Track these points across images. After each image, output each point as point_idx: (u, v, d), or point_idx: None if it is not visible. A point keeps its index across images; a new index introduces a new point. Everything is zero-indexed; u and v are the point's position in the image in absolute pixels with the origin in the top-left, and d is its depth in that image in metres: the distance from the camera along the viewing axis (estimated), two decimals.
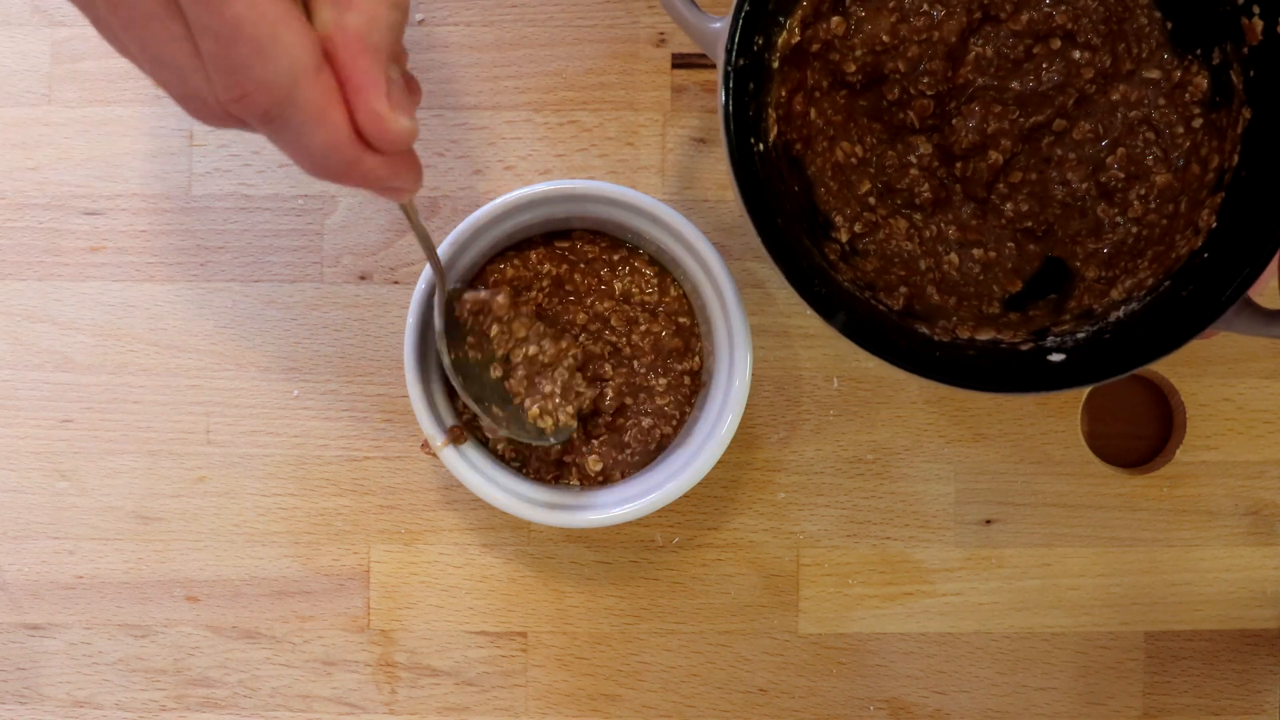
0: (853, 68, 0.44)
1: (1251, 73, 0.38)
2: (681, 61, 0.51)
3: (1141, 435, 0.52)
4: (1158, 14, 0.43)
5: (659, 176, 0.51)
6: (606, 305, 0.48)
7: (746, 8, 0.39)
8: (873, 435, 0.50)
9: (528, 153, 0.51)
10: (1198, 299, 0.38)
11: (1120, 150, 0.44)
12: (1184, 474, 0.50)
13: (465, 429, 0.47)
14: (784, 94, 0.42)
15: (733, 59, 0.38)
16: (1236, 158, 0.39)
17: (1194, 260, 0.39)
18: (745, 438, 0.50)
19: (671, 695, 0.51)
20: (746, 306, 0.46)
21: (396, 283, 0.51)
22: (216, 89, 0.28)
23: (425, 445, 0.48)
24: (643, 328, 0.48)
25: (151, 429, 0.51)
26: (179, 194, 0.51)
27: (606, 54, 0.50)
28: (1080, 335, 0.40)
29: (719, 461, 0.46)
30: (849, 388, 0.50)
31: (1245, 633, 0.51)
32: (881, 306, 0.42)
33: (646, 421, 0.48)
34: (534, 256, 0.48)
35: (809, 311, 0.38)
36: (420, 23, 0.51)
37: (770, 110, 0.42)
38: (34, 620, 0.51)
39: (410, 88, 0.32)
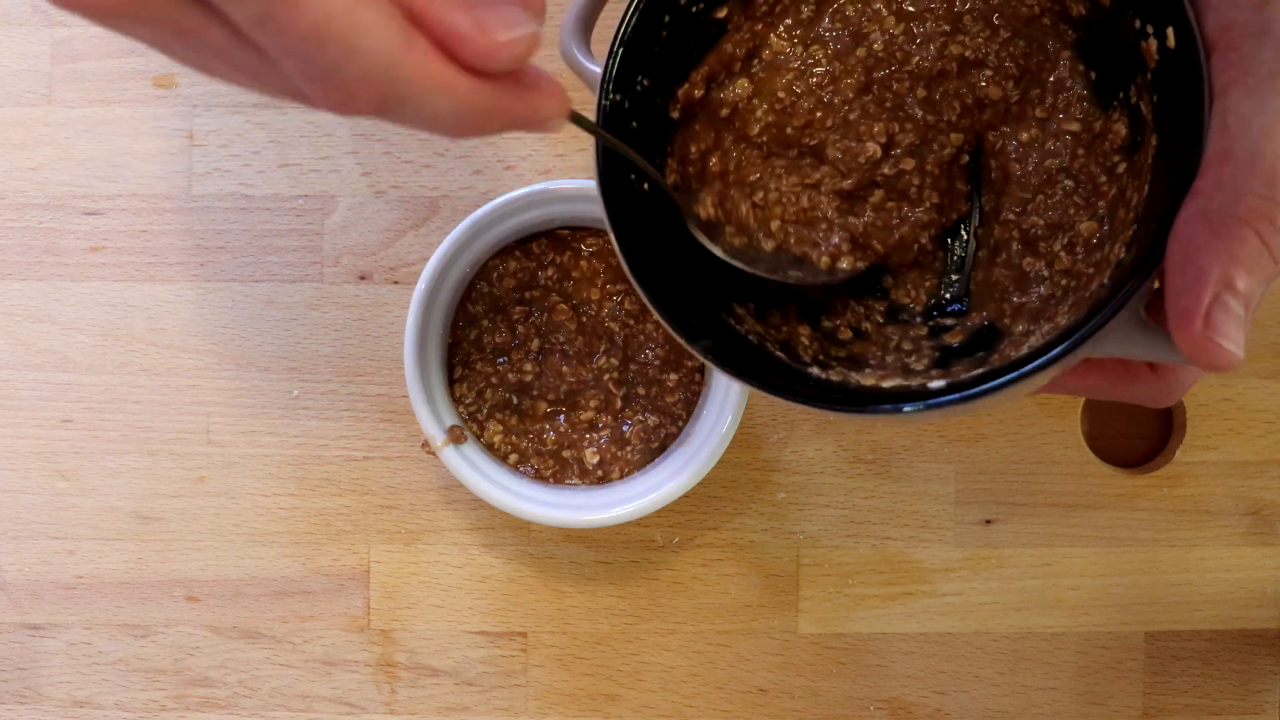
0: (756, 129, 0.43)
1: (1155, 98, 0.37)
2: None
3: (1141, 435, 0.52)
4: (1081, 66, 0.41)
5: None
6: (618, 286, 0.48)
7: (626, 36, 0.38)
8: (873, 435, 0.50)
9: (528, 153, 0.51)
10: (1078, 326, 0.36)
11: (1039, 198, 0.43)
12: (1184, 474, 0.50)
13: (464, 429, 0.47)
14: (690, 148, 0.41)
15: (609, 93, 0.38)
16: (1147, 189, 0.37)
17: (1099, 294, 0.38)
18: (745, 438, 0.50)
19: (671, 695, 0.51)
20: None
21: (396, 283, 0.51)
22: (319, 100, 0.27)
23: (425, 445, 0.48)
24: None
25: (151, 429, 0.51)
26: (179, 194, 0.51)
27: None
28: (976, 373, 0.39)
29: (719, 461, 0.46)
30: None
31: (1245, 633, 0.51)
32: (781, 354, 0.41)
33: (653, 419, 0.48)
34: (536, 248, 0.48)
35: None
36: None
37: (671, 160, 0.41)
38: (34, 620, 0.51)
39: None
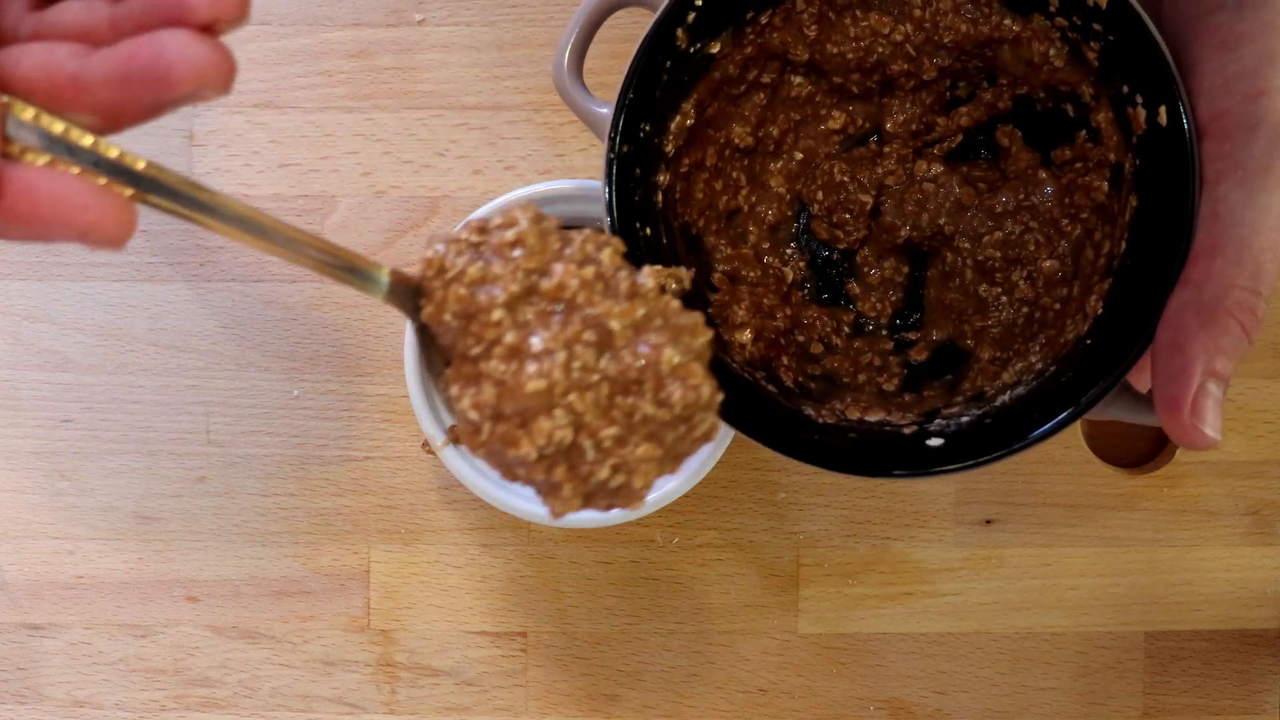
0: (750, 141, 0.44)
1: (1138, 161, 0.38)
2: None
3: (1141, 435, 0.52)
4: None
5: None
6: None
7: (630, 97, 0.38)
8: None
9: (528, 153, 0.51)
10: (1075, 385, 0.37)
11: (998, 234, 0.43)
12: (1184, 474, 0.50)
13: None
14: (677, 175, 0.42)
15: (616, 146, 0.38)
16: (1124, 244, 0.38)
17: (1078, 346, 0.39)
18: (745, 438, 0.50)
19: (671, 695, 0.51)
20: None
21: None
22: None
23: (425, 445, 0.48)
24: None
25: (151, 429, 0.51)
26: None
27: (606, 54, 0.50)
28: (965, 419, 0.39)
29: (719, 461, 0.46)
30: None
31: (1245, 633, 0.51)
32: (771, 387, 0.41)
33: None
34: None
35: None
36: (420, 23, 0.51)
37: (659, 194, 0.41)
38: (34, 620, 0.51)
39: None
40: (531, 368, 0.31)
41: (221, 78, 0.27)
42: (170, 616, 0.51)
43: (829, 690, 0.51)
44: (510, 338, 0.32)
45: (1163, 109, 0.35)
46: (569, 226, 0.48)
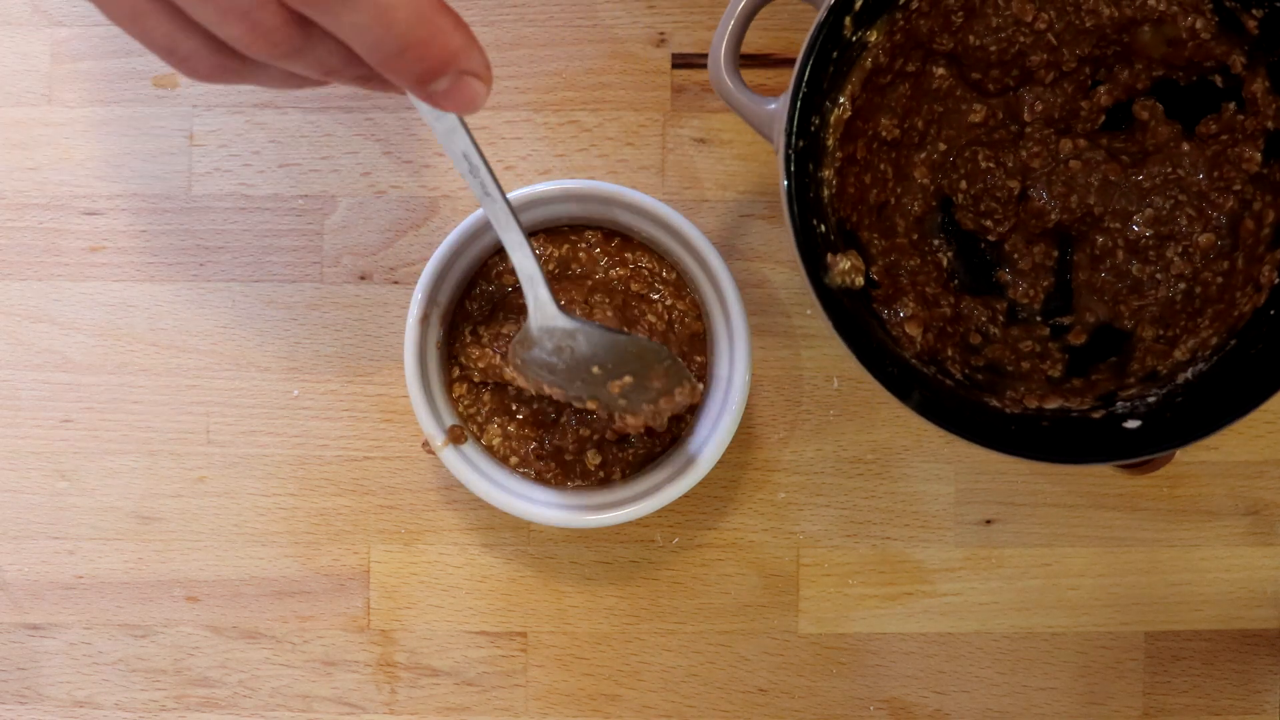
0: (896, 133, 0.44)
1: None
2: (681, 61, 0.51)
3: None
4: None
5: (659, 176, 0.51)
6: (621, 272, 0.48)
7: (804, 90, 0.38)
8: (873, 435, 0.50)
9: (528, 153, 0.51)
10: (1269, 356, 0.37)
11: (1148, 211, 0.43)
12: (1184, 474, 0.50)
13: (464, 429, 0.47)
14: (836, 167, 0.42)
15: (793, 142, 0.38)
16: None
17: (1259, 317, 0.39)
18: (745, 438, 0.50)
19: (671, 695, 0.51)
20: (747, 306, 0.46)
21: (396, 283, 0.51)
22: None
23: (426, 445, 0.48)
24: (667, 302, 0.48)
25: (151, 429, 0.51)
26: (179, 194, 0.51)
27: (606, 54, 0.50)
28: (1150, 399, 0.39)
29: (719, 461, 0.46)
30: (849, 387, 0.50)
31: (1245, 633, 0.51)
32: (947, 381, 0.42)
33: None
34: (533, 242, 0.48)
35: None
36: None
37: (825, 188, 0.41)
38: (34, 620, 0.51)
39: None
40: None
41: None
42: (170, 616, 0.51)
43: (829, 690, 0.51)
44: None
45: None
46: (569, 226, 0.48)
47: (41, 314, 0.51)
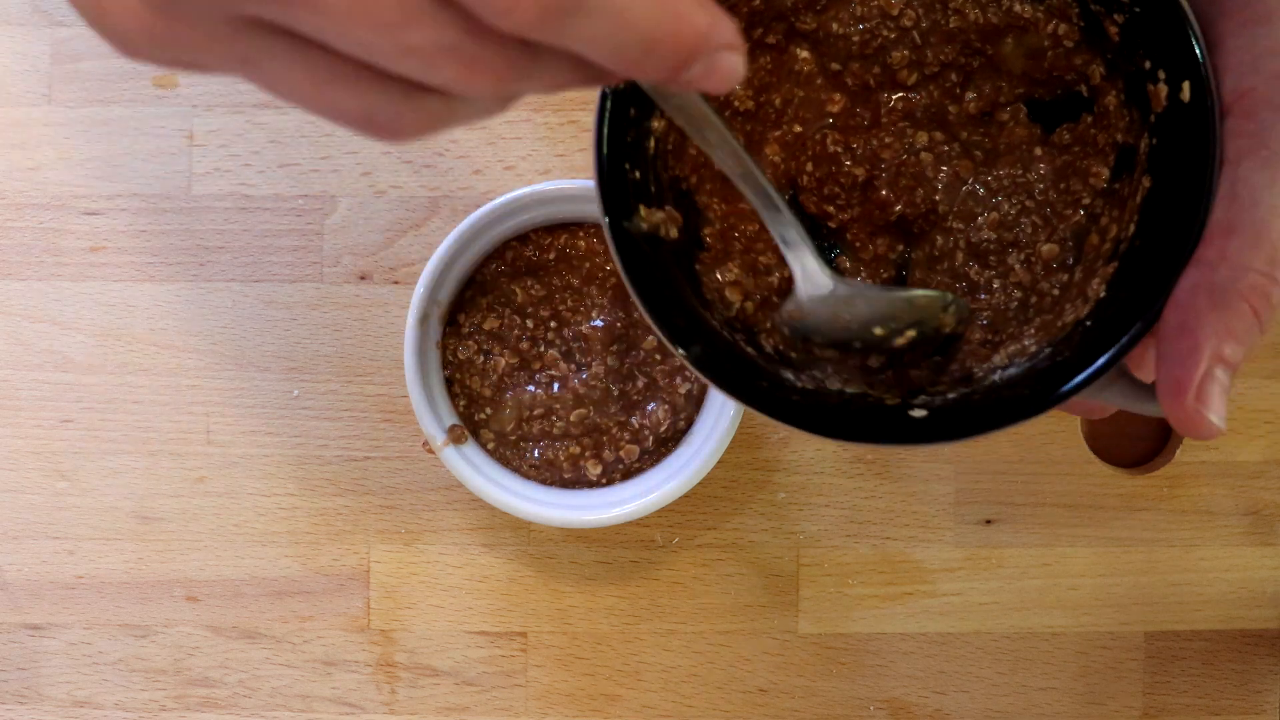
0: (751, 105, 0.43)
1: (1154, 140, 0.37)
2: None
3: (1141, 435, 0.52)
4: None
5: None
6: (610, 271, 0.48)
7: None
8: None
9: (528, 153, 0.51)
10: (1069, 365, 0.36)
11: (993, 215, 0.42)
12: (1184, 474, 0.50)
13: (464, 429, 0.47)
14: (673, 126, 0.40)
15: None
16: (1133, 227, 0.36)
17: (1076, 328, 0.38)
18: (745, 438, 0.50)
19: (671, 695, 0.51)
20: None
21: (396, 283, 0.51)
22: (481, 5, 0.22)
23: (426, 445, 0.48)
24: None
25: (151, 429, 0.51)
26: (179, 194, 0.51)
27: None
28: (951, 396, 0.39)
29: (719, 461, 0.46)
30: None
31: (1245, 633, 0.51)
32: (750, 350, 0.41)
33: (663, 410, 0.47)
34: (533, 236, 0.48)
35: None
36: None
37: (652, 140, 0.40)
38: (34, 620, 0.51)
39: None
40: None
41: None
42: (170, 616, 0.51)
43: (829, 690, 0.51)
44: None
45: (1186, 84, 0.34)
46: (569, 226, 0.48)
47: (41, 314, 0.51)
